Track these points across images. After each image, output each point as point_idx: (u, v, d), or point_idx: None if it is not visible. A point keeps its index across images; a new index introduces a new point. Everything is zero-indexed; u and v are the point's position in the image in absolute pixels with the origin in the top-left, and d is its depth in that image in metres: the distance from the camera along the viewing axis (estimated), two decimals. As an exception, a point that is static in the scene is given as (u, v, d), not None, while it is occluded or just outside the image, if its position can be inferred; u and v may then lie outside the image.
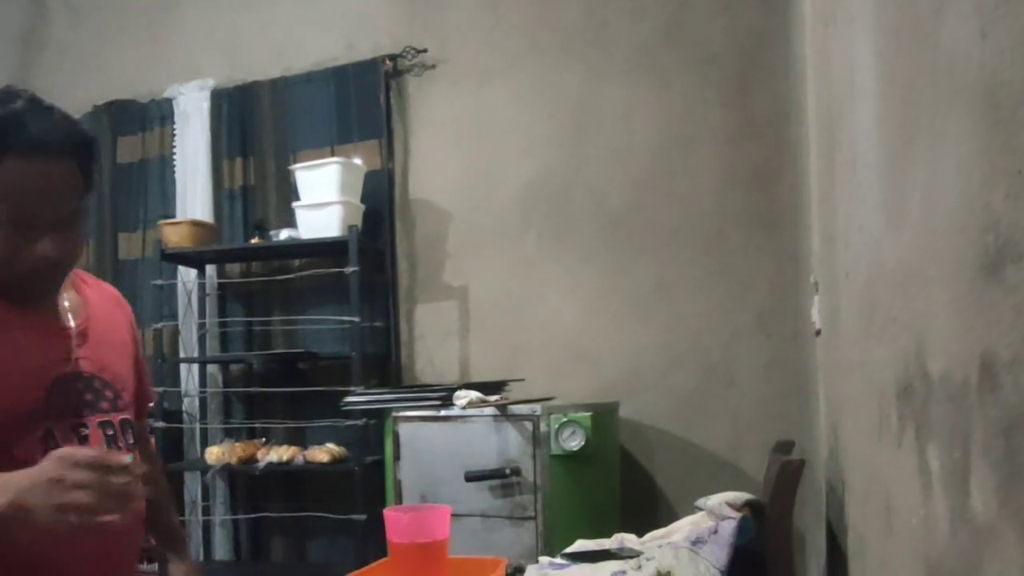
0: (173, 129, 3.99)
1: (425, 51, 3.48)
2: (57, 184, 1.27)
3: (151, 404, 1.77)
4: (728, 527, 1.74)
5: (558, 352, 3.30)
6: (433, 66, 3.47)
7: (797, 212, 2.82)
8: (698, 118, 3.18)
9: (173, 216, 3.85)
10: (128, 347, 1.58)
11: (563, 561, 1.80)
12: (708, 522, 1.86)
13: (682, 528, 1.92)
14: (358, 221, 3.42)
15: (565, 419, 2.61)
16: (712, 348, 3.13)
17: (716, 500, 1.86)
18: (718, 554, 1.71)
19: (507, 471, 2.59)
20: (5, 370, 1.29)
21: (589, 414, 2.64)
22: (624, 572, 1.78)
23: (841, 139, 1.53)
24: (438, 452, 2.69)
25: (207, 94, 3.91)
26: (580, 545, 1.93)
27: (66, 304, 1.45)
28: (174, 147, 3.99)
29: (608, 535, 2.00)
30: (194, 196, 3.88)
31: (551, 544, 2.46)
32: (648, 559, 1.77)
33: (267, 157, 3.84)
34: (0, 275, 1.29)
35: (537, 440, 2.62)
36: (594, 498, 2.73)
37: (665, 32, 3.24)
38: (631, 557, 1.86)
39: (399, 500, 2.70)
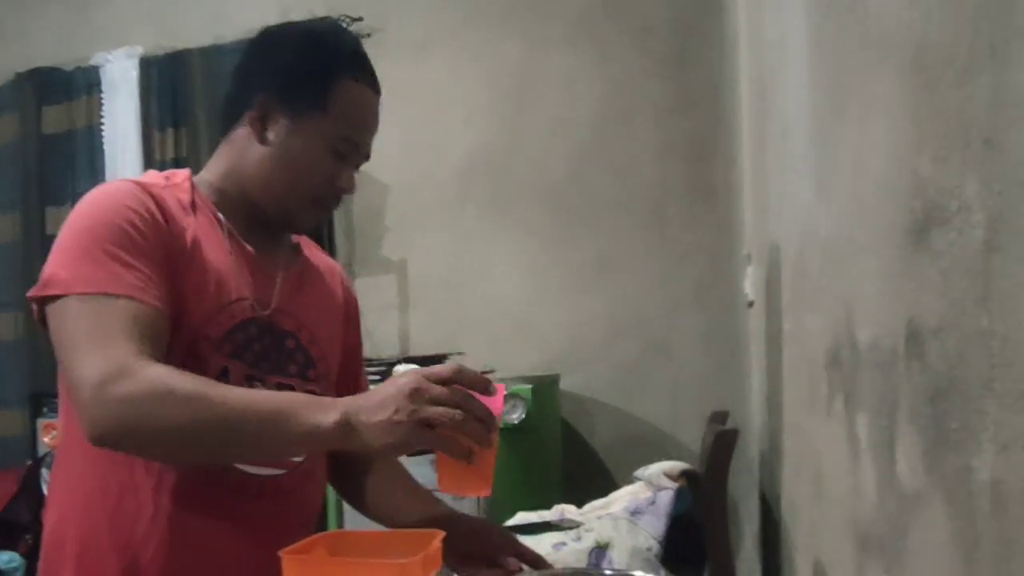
0: (101, 98, 3.84)
1: (360, 19, 3.40)
2: (377, 120, 1.29)
3: None
4: (665, 497, 1.74)
5: (499, 325, 3.28)
6: (368, 35, 3.38)
7: (732, 185, 2.84)
8: (637, 89, 3.17)
9: (102, 189, 3.71)
10: (337, 322, 1.40)
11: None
12: (646, 492, 1.87)
13: (621, 499, 1.92)
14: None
15: (506, 392, 2.60)
16: (652, 320, 3.14)
17: (654, 470, 1.86)
18: (656, 524, 1.71)
19: (447, 445, 2.57)
20: (202, 292, 1.17)
21: (530, 387, 2.64)
22: (564, 543, 1.77)
23: (772, 109, 1.53)
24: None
25: (135, 62, 3.77)
26: (521, 517, 1.93)
27: (281, 255, 1.33)
28: (102, 117, 3.85)
29: (549, 507, 1.99)
30: (124, 168, 3.75)
31: (492, 517, 2.45)
32: (588, 530, 1.77)
33: (200, 128, 3.73)
34: (296, 196, 1.24)
35: (477, 413, 2.60)
36: (535, 470, 2.73)
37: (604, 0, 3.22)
38: (571, 528, 1.85)
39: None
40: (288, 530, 1.16)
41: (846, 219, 0.91)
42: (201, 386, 1.03)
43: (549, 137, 3.26)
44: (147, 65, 3.76)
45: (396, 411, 0.95)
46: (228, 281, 1.20)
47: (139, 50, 3.76)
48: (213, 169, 1.29)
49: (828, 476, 1.06)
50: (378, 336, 3.42)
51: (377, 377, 2.80)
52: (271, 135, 1.22)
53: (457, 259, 3.37)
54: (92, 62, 3.84)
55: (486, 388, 0.99)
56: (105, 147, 3.84)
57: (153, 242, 1.13)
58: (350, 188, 1.27)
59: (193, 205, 1.22)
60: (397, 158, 3.41)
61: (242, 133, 1.25)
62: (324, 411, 0.99)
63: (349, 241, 3.50)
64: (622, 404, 3.15)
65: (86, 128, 3.88)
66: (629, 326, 3.16)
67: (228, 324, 1.19)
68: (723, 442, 1.62)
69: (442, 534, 1.11)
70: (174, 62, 3.73)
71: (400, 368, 2.83)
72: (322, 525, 2.71)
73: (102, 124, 3.85)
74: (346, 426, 0.97)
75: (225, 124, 1.29)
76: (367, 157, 1.31)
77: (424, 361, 2.91)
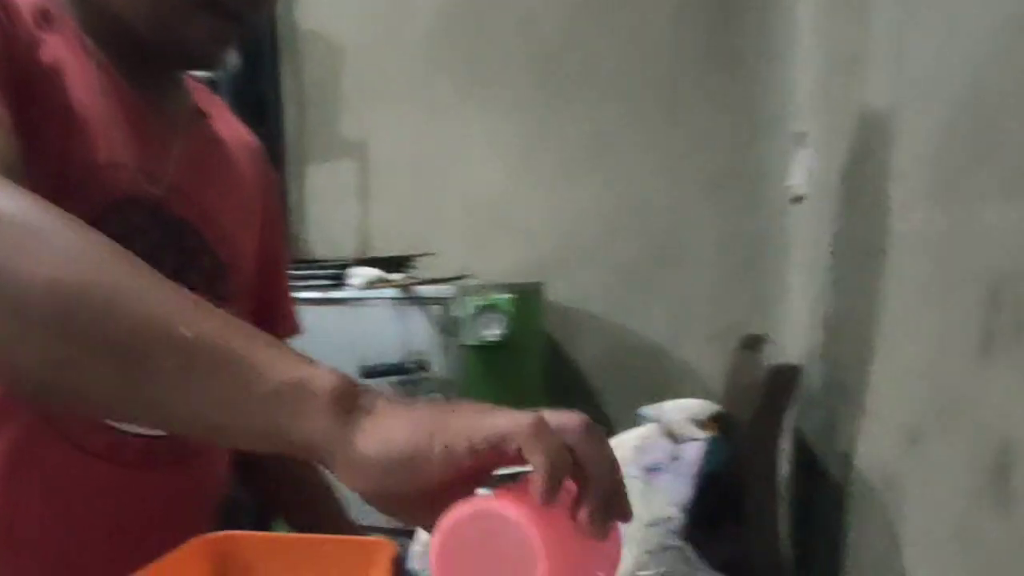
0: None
1: None
2: None
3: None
4: (692, 452, 1.31)
5: (475, 221, 2.80)
6: None
7: (766, 50, 2.34)
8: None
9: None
10: (254, 217, 1.01)
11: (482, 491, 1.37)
12: (662, 439, 1.44)
13: (625, 443, 1.50)
14: (232, 57, 2.81)
15: (482, 302, 2.16)
16: (657, 219, 2.66)
17: (674, 413, 1.43)
18: (679, 487, 1.28)
19: (412, 365, 2.14)
20: (61, 146, 0.76)
21: (510, 296, 2.19)
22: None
23: None
24: (329, 342, 2.17)
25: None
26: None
27: (180, 113, 0.92)
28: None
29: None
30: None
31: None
32: (586, 492, 1.35)
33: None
34: None
35: (448, 327, 2.17)
36: (516, 397, 2.29)
37: None
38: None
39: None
40: (183, 516, 0.84)
41: None
42: (114, 247, 0.56)
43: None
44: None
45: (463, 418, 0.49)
46: (98, 134, 0.79)
47: None
48: None
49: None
50: (335, 232, 2.95)
51: (329, 282, 2.35)
52: None
53: (427, 140, 2.84)
54: None
55: (615, 475, 0.51)
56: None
57: None
58: None
59: (46, 16, 0.80)
60: (355, 15, 2.87)
61: None
62: (320, 371, 0.52)
63: (300, 116, 2.98)
64: (619, 319, 2.69)
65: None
66: (629, 225, 2.68)
67: (97, 202, 0.78)
68: (781, 381, 1.17)
69: (393, 549, 0.70)
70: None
71: (356, 271, 2.35)
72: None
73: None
74: (345, 404, 0.50)
75: None
76: None
77: (387, 263, 2.45)
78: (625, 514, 0.51)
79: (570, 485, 0.49)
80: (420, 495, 0.48)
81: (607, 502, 0.48)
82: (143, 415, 0.56)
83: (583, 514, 0.47)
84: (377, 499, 0.50)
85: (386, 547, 0.68)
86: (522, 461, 0.47)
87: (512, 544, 0.44)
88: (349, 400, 0.50)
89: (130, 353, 0.51)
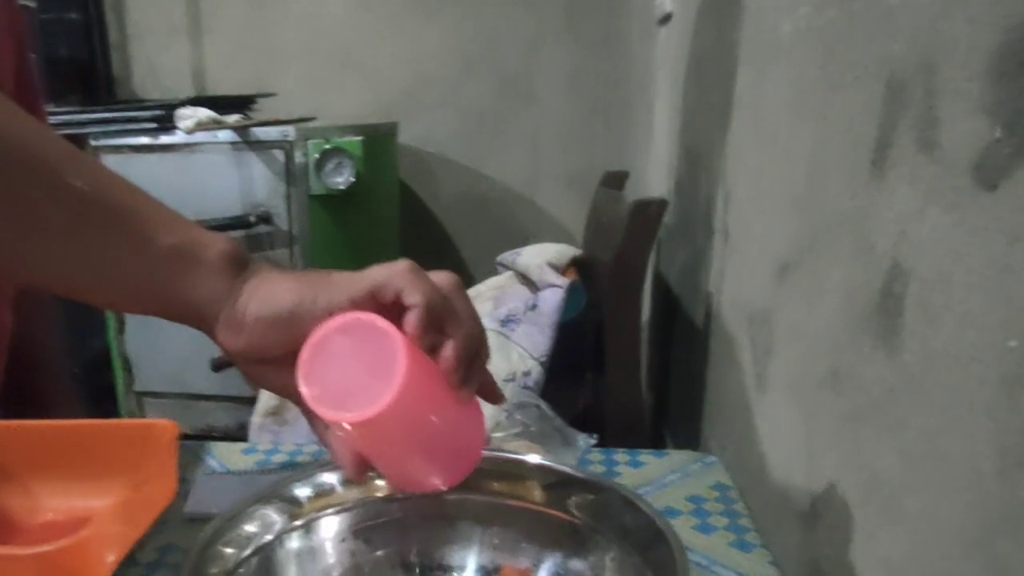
0: None
1: None
2: None
3: None
4: (552, 299, 1.22)
5: (321, 58, 2.58)
6: None
7: None
8: None
9: None
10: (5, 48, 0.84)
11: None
12: (519, 287, 1.35)
13: (484, 294, 1.40)
14: None
15: (328, 146, 1.99)
16: (511, 55, 2.52)
17: (532, 259, 1.33)
18: (537, 338, 1.20)
19: (252, 218, 1.97)
20: None
21: (360, 139, 2.02)
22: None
23: None
24: (158, 192, 1.98)
25: None
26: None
27: None
28: None
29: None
30: None
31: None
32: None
33: None
34: None
35: (292, 175, 2.00)
36: (368, 249, 2.18)
37: None
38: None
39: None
40: None
41: None
42: None
43: None
44: None
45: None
46: None
47: None
48: None
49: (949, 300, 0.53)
50: (162, 70, 2.67)
51: (154, 125, 2.11)
52: None
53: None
54: None
55: (481, 333, 0.53)
56: None
57: None
58: None
59: None
60: None
61: None
62: (211, 235, 0.53)
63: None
64: (474, 162, 2.57)
65: None
66: (483, 62, 2.53)
67: None
68: (645, 217, 1.08)
69: (174, 429, 0.57)
70: None
71: (185, 112, 2.12)
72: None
73: None
74: (234, 267, 0.51)
75: None
76: None
77: (223, 103, 2.22)
78: (483, 369, 0.52)
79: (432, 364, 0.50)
80: (296, 357, 0.48)
81: (471, 356, 0.50)
82: (30, 272, 0.52)
83: (448, 355, 0.48)
84: (255, 360, 0.50)
85: (166, 429, 0.57)
86: (399, 311, 0.48)
87: (377, 355, 0.45)
88: (238, 264, 0.51)
89: (16, 204, 0.47)
